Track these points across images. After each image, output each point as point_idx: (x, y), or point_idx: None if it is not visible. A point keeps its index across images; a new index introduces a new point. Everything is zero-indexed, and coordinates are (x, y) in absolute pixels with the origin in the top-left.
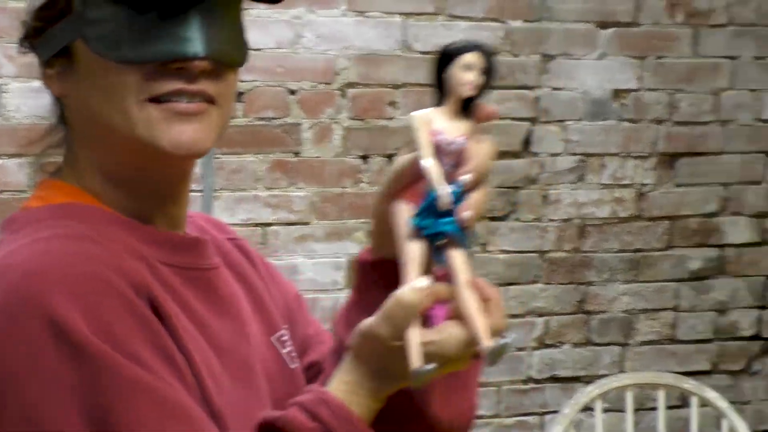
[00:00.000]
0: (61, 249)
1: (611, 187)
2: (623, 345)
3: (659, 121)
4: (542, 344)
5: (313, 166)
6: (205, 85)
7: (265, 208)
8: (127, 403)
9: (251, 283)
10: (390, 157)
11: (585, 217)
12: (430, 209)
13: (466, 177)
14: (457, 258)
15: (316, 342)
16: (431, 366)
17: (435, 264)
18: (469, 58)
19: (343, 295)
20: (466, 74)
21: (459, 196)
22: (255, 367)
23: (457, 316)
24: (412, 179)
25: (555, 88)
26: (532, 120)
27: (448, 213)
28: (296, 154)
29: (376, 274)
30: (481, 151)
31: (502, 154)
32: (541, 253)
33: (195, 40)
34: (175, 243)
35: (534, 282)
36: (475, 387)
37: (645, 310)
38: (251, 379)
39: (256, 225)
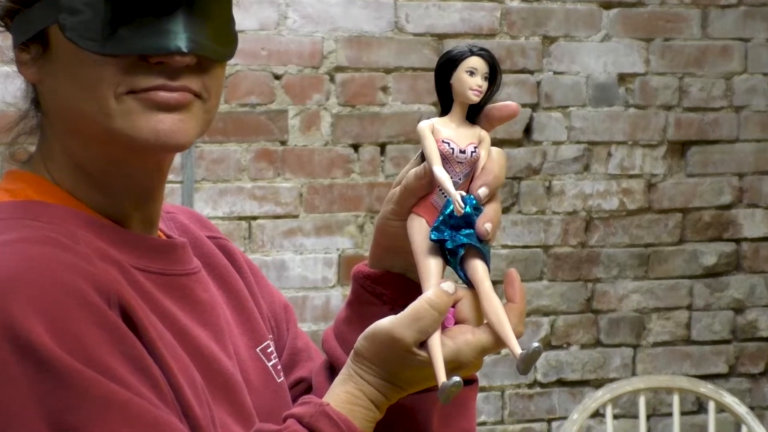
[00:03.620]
0: (25, 254)
1: (618, 177)
2: (634, 346)
3: (668, 107)
4: (548, 345)
5: (301, 156)
6: (188, 81)
7: (249, 201)
8: (98, 423)
9: (235, 288)
10: (383, 146)
11: (591, 209)
12: (448, 222)
13: (483, 190)
14: (479, 268)
15: (305, 357)
16: (458, 379)
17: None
18: (474, 62)
19: (335, 294)
20: (471, 79)
21: (476, 208)
22: (237, 378)
23: (466, 320)
24: (422, 192)
25: (557, 72)
26: (534, 106)
27: (467, 226)
28: (282, 142)
29: (377, 289)
30: (494, 161)
31: (502, 143)
32: (546, 248)
33: (178, 34)
34: (150, 246)
35: (538, 279)
36: (473, 408)
37: (657, 309)
38: (233, 391)
39: (241, 218)
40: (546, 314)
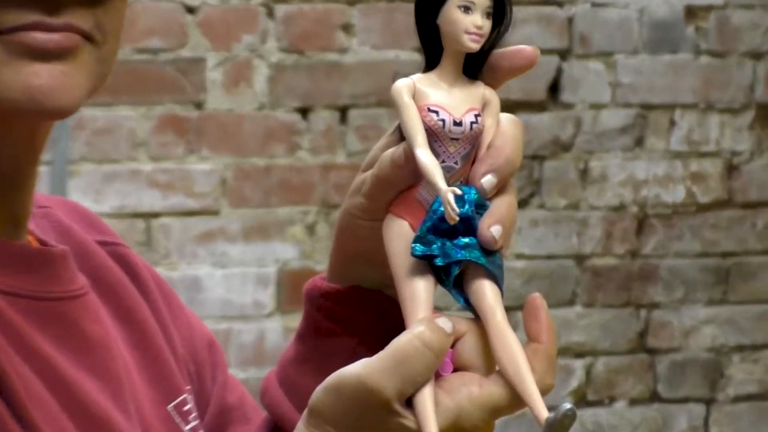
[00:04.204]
0: None
1: (685, 156)
2: (708, 401)
3: (757, 55)
4: (583, 401)
5: (225, 125)
6: (74, 17)
7: (149, 190)
8: None
9: (138, 318)
10: (343, 111)
11: (646, 202)
12: (438, 228)
13: (489, 178)
14: (486, 291)
15: (239, 417)
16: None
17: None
18: None
19: (272, 326)
20: (467, 17)
21: (479, 205)
22: None
23: (470, 365)
24: (402, 183)
25: (596, 4)
26: (563, 53)
27: (466, 231)
28: (198, 105)
29: (341, 312)
30: (505, 135)
31: (517, 107)
32: (579, 258)
33: None
34: (15, 257)
35: (569, 304)
36: None
37: (740, 348)
38: None
39: (136, 216)
40: (580, 355)
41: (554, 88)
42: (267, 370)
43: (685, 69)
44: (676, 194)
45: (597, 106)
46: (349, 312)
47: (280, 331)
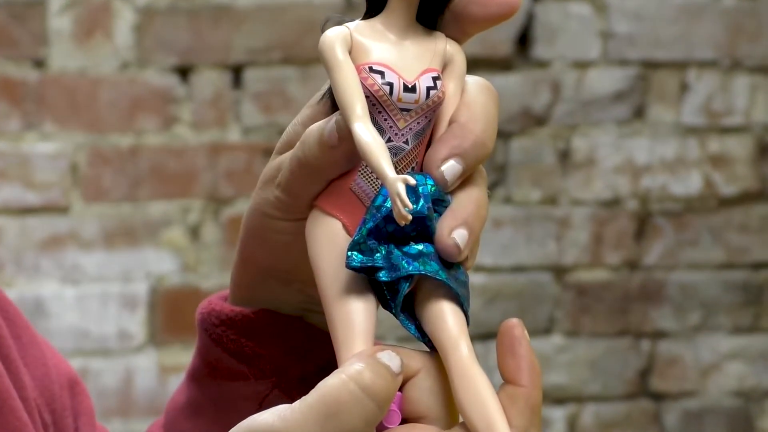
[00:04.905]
0: None
1: (703, 132)
2: None
3: None
4: None
5: (74, 91)
6: None
7: None
8: None
9: None
10: (237, 70)
11: (648, 195)
12: (382, 230)
13: (452, 164)
14: (446, 318)
15: None
16: None
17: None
18: None
19: (144, 363)
20: None
21: (437, 200)
22: None
23: (424, 414)
24: (333, 171)
25: None
26: None
27: (420, 235)
28: (38, 64)
29: (248, 346)
30: (473, 106)
31: (474, 64)
32: (559, 270)
33: None
34: None
35: (545, 333)
36: None
37: None
38: None
39: None
40: (560, 401)
41: (523, 39)
42: (136, 422)
43: (703, 13)
44: (690, 184)
45: (582, 65)
46: (260, 345)
47: (154, 371)
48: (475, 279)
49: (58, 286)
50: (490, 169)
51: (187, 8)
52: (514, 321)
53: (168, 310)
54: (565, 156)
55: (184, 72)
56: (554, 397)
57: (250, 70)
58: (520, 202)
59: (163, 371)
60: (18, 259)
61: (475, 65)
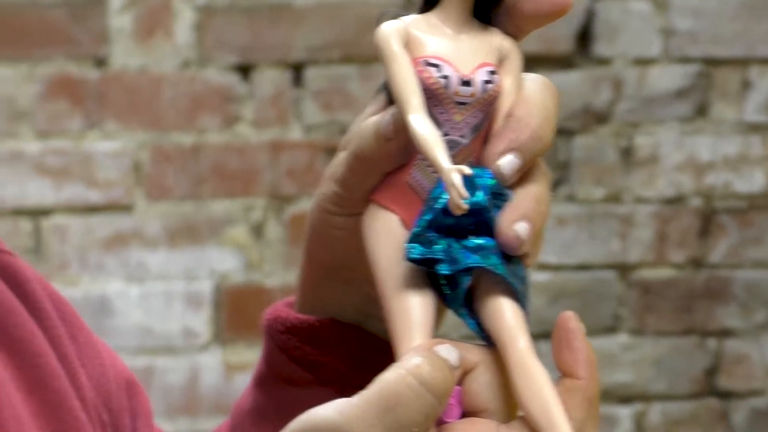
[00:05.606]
0: None
1: (764, 129)
2: None
3: None
4: None
5: (136, 90)
6: None
7: (35, 178)
8: None
9: (30, 351)
10: (298, 68)
11: (713, 192)
12: (441, 223)
13: (510, 159)
14: (505, 312)
15: None
16: None
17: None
18: None
19: (210, 361)
20: None
21: (496, 194)
22: None
23: (483, 408)
24: (389, 163)
25: None
26: None
27: (480, 228)
28: (99, 63)
29: (313, 354)
30: (531, 102)
31: (534, 62)
32: (623, 269)
33: None
34: None
35: (610, 331)
36: None
37: None
38: None
39: (19, 213)
40: (626, 400)
41: (584, 36)
42: (202, 421)
43: (764, 9)
44: (754, 181)
45: (643, 62)
46: (323, 354)
47: (219, 369)
48: (538, 277)
49: (123, 285)
50: (553, 166)
51: (246, 6)
52: (569, 314)
53: (232, 308)
54: (627, 154)
55: (244, 70)
56: (620, 396)
57: (310, 68)
58: (583, 200)
59: (228, 369)
60: (82, 257)
61: (535, 63)
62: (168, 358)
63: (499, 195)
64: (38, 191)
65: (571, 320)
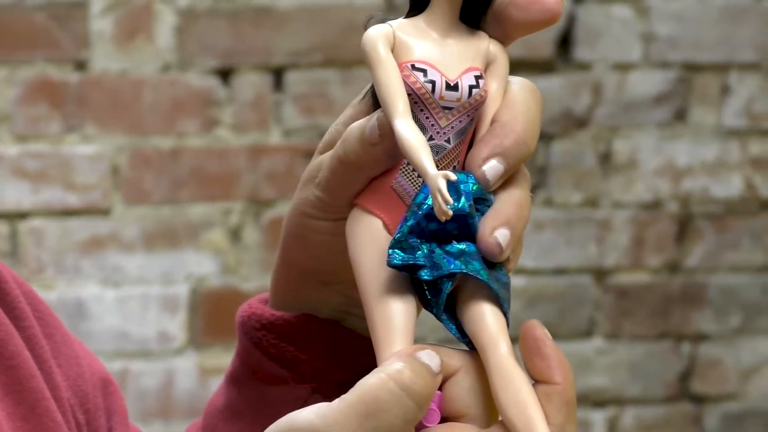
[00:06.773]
0: None
1: (744, 134)
2: None
3: None
4: None
5: (115, 92)
6: None
7: (14, 181)
8: None
9: (6, 351)
10: (279, 72)
11: (690, 198)
12: (424, 228)
13: (494, 163)
14: (486, 317)
15: None
16: None
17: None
18: None
19: (185, 365)
20: None
21: (479, 199)
22: None
23: (464, 413)
24: (374, 168)
25: None
26: None
27: (462, 233)
28: (79, 66)
29: (289, 350)
30: (516, 106)
31: (516, 66)
32: (600, 273)
33: None
34: None
35: (586, 336)
36: None
37: None
38: None
39: None
40: (600, 404)
41: (565, 41)
42: (176, 425)
43: (744, 15)
44: (731, 187)
45: (623, 67)
46: (300, 350)
47: (194, 373)
48: (516, 281)
49: (99, 288)
50: (531, 171)
51: (228, 10)
52: (534, 322)
53: (208, 312)
54: (606, 158)
55: (225, 74)
56: (594, 400)
57: (291, 72)
58: (561, 204)
59: (204, 373)
60: (59, 261)
61: (516, 67)
62: (143, 362)
63: (482, 200)
64: (16, 194)
65: (537, 328)
